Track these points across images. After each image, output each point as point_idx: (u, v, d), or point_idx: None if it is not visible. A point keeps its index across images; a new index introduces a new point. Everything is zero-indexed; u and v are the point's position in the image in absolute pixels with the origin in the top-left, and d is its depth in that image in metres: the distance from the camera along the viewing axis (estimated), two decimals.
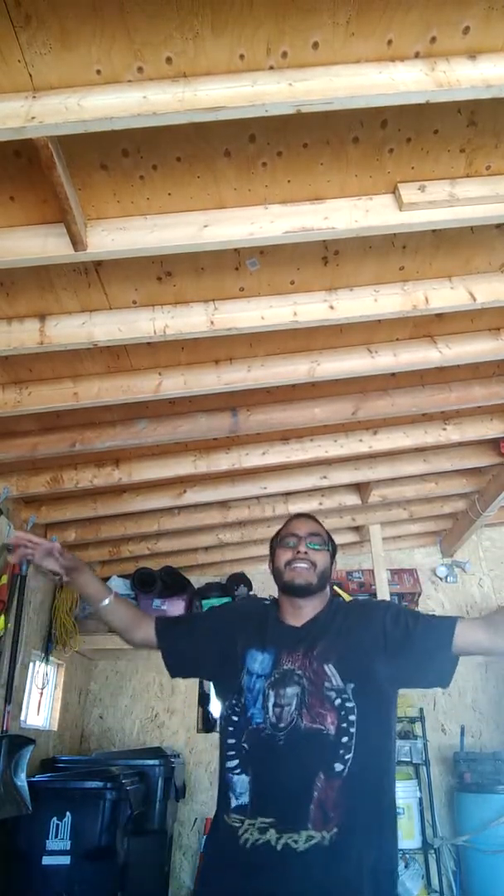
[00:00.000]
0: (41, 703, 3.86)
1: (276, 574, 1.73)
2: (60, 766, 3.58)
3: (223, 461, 3.35)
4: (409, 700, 4.37)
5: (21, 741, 3.03)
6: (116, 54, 1.49)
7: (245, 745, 1.52)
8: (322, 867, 1.37)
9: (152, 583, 4.18)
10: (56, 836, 2.94)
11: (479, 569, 4.99)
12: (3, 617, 3.10)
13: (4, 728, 3.09)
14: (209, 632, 1.76)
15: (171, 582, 4.29)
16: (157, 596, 4.28)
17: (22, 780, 2.91)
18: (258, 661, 1.60)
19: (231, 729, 1.56)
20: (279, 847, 1.38)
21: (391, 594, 4.25)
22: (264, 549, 4.90)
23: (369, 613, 1.70)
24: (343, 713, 1.48)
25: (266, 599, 1.83)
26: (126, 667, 4.71)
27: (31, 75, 1.50)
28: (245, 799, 1.47)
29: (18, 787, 2.88)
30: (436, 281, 2.37)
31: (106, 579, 4.36)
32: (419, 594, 4.65)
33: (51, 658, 3.91)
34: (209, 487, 3.67)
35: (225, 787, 1.51)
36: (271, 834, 1.39)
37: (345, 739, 1.46)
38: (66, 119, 1.49)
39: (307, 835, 1.39)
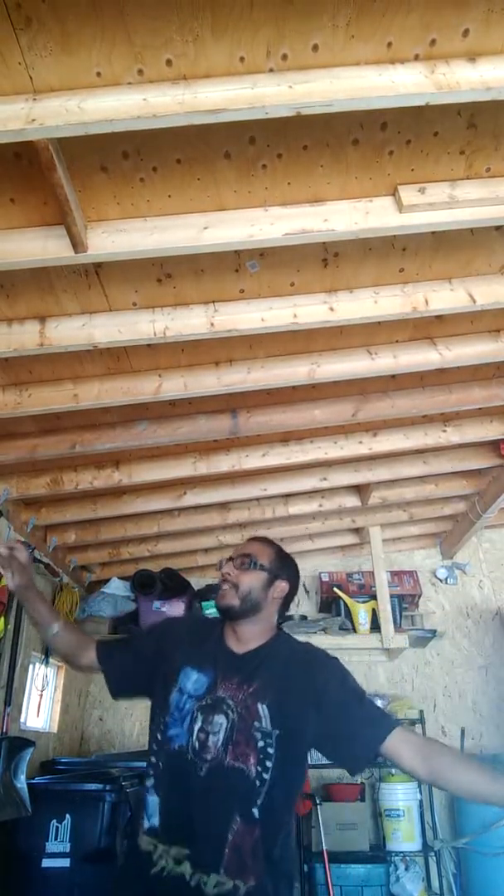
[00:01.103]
0: (41, 705, 3.85)
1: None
2: (60, 768, 3.57)
3: (223, 463, 3.35)
4: (410, 702, 4.37)
5: (21, 743, 3.02)
6: (117, 57, 1.49)
7: (160, 765, 1.48)
8: None
9: (152, 585, 4.17)
10: (56, 839, 2.93)
11: (480, 571, 4.99)
12: (2, 619, 3.10)
13: (4, 730, 3.08)
14: (149, 650, 1.70)
15: (171, 584, 4.29)
16: (156, 598, 4.27)
17: (22, 781, 2.91)
18: (192, 680, 1.54)
19: (154, 746, 1.52)
20: (193, 883, 1.34)
21: (391, 596, 4.25)
22: None
23: (316, 667, 1.62)
24: (262, 757, 1.44)
25: (219, 619, 1.75)
26: None
27: (31, 77, 1.50)
28: (155, 821, 1.43)
29: (18, 789, 2.88)
30: (436, 283, 2.37)
31: (106, 581, 4.37)
32: (419, 596, 4.65)
33: (51, 660, 3.91)
34: (209, 489, 3.67)
35: (142, 807, 1.47)
36: (186, 867, 1.35)
37: (258, 784, 1.42)
38: (67, 121, 1.49)
39: (217, 879, 1.34)
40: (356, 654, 4.44)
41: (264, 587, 1.64)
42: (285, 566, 1.72)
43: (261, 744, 1.45)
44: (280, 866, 1.44)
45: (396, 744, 1.51)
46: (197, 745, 1.44)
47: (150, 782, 1.49)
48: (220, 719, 1.47)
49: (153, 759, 1.51)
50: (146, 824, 1.44)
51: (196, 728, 1.46)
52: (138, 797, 1.51)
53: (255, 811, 1.40)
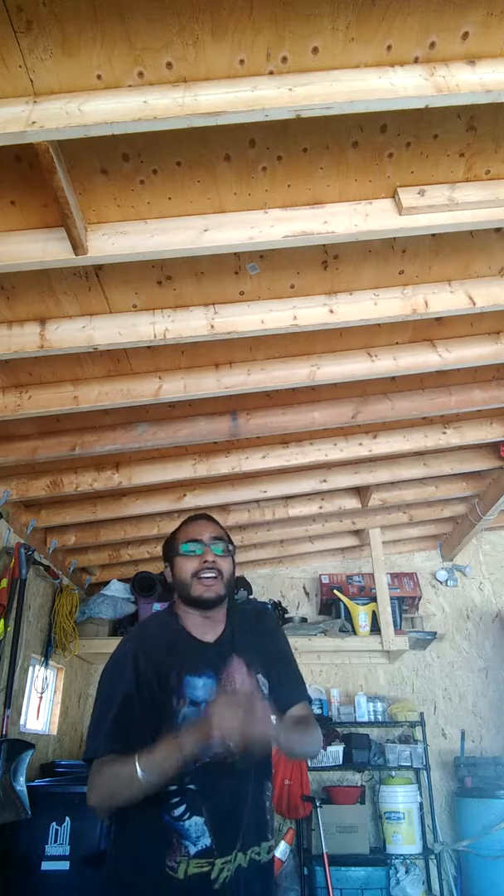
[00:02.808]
0: (41, 707, 3.85)
1: (181, 586, 1.58)
2: (60, 771, 3.56)
3: (223, 465, 3.35)
4: (410, 705, 4.37)
5: (20, 745, 3.02)
6: (117, 59, 1.49)
7: (192, 786, 1.39)
8: (272, 872, 1.44)
9: (152, 587, 4.17)
10: (55, 841, 2.93)
11: (480, 573, 4.99)
12: (2, 621, 3.09)
13: (4, 732, 3.08)
14: (135, 687, 1.49)
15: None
16: (156, 600, 4.27)
17: (21, 784, 2.90)
18: (199, 688, 1.47)
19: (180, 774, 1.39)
20: (246, 864, 1.38)
21: (391, 598, 4.25)
22: (264, 553, 4.92)
23: (269, 629, 1.71)
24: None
25: (160, 615, 1.70)
26: None
27: (32, 80, 1.51)
28: (206, 841, 1.36)
29: (18, 792, 2.87)
30: (435, 285, 2.38)
31: (105, 583, 4.37)
32: (419, 598, 4.65)
33: (50, 662, 3.90)
34: (209, 491, 3.67)
35: (174, 838, 1.36)
36: (240, 858, 1.38)
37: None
38: (67, 124, 1.50)
39: (267, 845, 1.43)
40: (356, 656, 4.44)
41: (233, 566, 1.64)
42: (230, 538, 1.68)
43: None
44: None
45: (295, 709, 1.58)
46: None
47: (179, 811, 1.37)
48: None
49: (174, 787, 1.38)
50: (192, 850, 1.35)
51: None
52: (156, 826, 1.38)
53: (269, 770, 1.49)
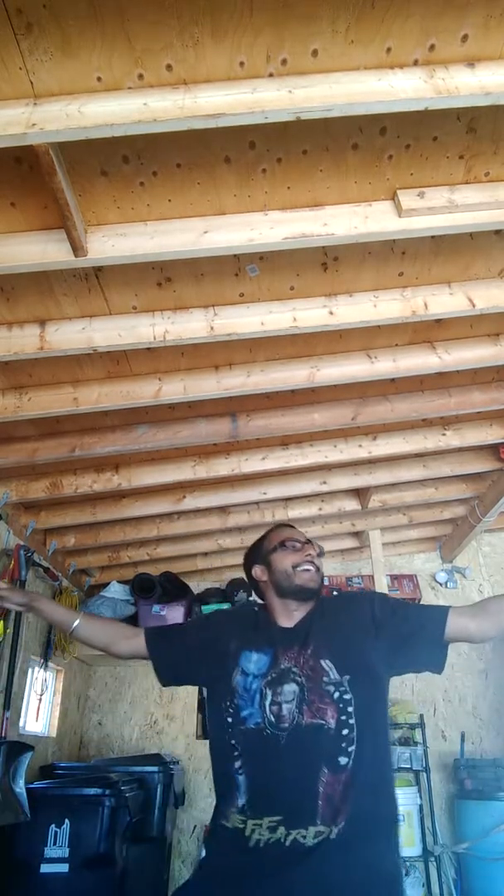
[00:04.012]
0: (40, 709, 3.84)
1: (282, 578, 1.71)
2: (59, 773, 3.56)
3: (223, 466, 3.35)
4: (409, 706, 4.36)
5: (20, 747, 3.01)
6: (117, 61, 1.49)
7: (240, 746, 1.52)
8: (332, 862, 1.37)
9: (151, 588, 4.17)
10: (54, 844, 2.92)
11: (479, 574, 4.99)
12: (2, 622, 3.09)
13: (3, 734, 3.07)
14: (201, 636, 1.77)
15: (171, 587, 4.29)
16: (156, 602, 4.27)
17: (20, 786, 2.90)
18: (253, 662, 1.60)
19: (228, 730, 1.55)
20: (288, 843, 1.38)
21: None
22: None
23: (356, 604, 1.75)
24: (342, 706, 1.50)
25: (253, 606, 1.84)
26: (125, 673, 4.69)
27: (32, 82, 1.51)
28: (243, 799, 1.47)
29: (17, 794, 2.86)
30: (435, 287, 2.38)
31: (105, 585, 4.37)
32: (419, 600, 4.65)
33: (49, 664, 3.90)
34: (209, 493, 3.67)
35: (231, 787, 1.50)
36: (281, 832, 1.40)
37: (345, 732, 1.47)
38: (67, 126, 1.50)
39: (315, 830, 1.39)
40: None
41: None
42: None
43: (336, 695, 1.51)
44: (378, 805, 1.47)
45: (456, 624, 1.59)
46: (273, 717, 1.50)
47: (238, 763, 1.51)
48: (290, 688, 1.53)
49: (232, 742, 1.53)
50: (239, 802, 1.47)
51: (267, 703, 1.52)
52: (224, 776, 1.54)
53: (343, 759, 1.45)
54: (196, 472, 3.32)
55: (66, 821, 2.96)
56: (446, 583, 4.92)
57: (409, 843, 3.80)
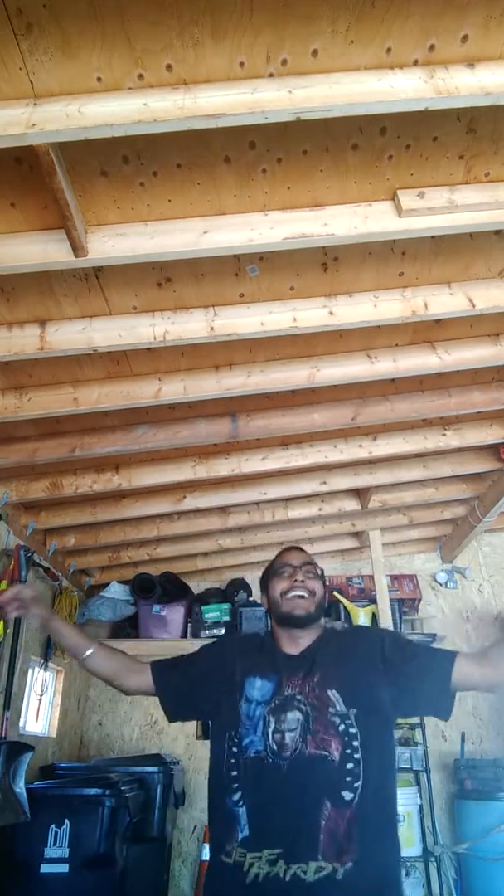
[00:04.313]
0: (40, 709, 3.84)
1: (273, 605, 1.70)
2: (59, 773, 3.56)
3: (223, 467, 3.35)
4: None
5: (20, 748, 3.01)
6: (117, 62, 1.49)
7: (240, 777, 1.47)
8: None
9: (152, 588, 4.17)
10: (54, 844, 2.92)
11: (480, 575, 4.99)
12: (1, 622, 3.09)
13: (3, 734, 3.07)
14: (207, 667, 1.72)
15: (171, 588, 4.29)
16: (156, 602, 4.27)
17: (20, 786, 2.89)
18: (257, 688, 1.57)
19: (232, 761, 1.51)
20: (287, 878, 1.33)
21: (391, 600, 4.24)
22: (264, 555, 4.91)
23: (367, 639, 1.71)
24: (347, 739, 1.45)
25: (259, 633, 1.84)
26: None
27: (32, 83, 1.51)
28: (246, 832, 1.42)
29: (17, 794, 2.86)
30: (435, 287, 2.38)
31: (105, 585, 4.37)
32: (419, 600, 4.65)
33: (50, 664, 3.90)
34: (209, 493, 3.67)
35: (231, 822, 1.45)
36: (280, 866, 1.34)
37: (350, 766, 1.43)
38: (67, 126, 1.50)
39: (316, 865, 1.33)
40: None
41: (324, 592, 1.74)
42: (323, 573, 1.80)
43: (342, 727, 1.47)
44: (385, 851, 1.44)
45: (462, 671, 1.54)
46: (275, 745, 1.46)
47: (237, 796, 1.47)
48: (293, 715, 1.49)
49: (233, 773, 1.49)
50: (238, 836, 1.43)
51: (270, 731, 1.48)
52: (222, 809, 1.50)
53: (347, 794, 1.41)
54: (196, 473, 3.32)
55: (66, 821, 2.96)
56: (446, 583, 4.92)
57: (409, 843, 3.80)
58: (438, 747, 4.32)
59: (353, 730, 1.46)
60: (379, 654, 1.60)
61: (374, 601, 4.23)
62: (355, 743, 1.45)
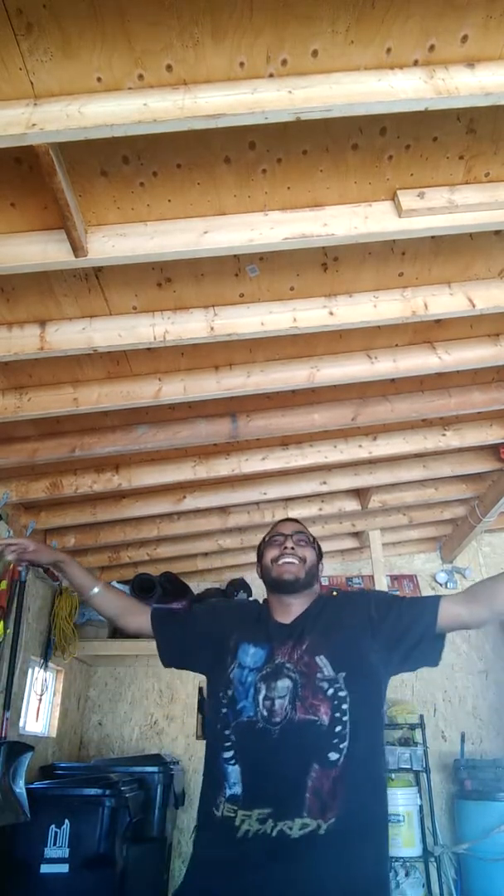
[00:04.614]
0: (40, 709, 3.84)
1: (265, 572, 1.78)
2: (59, 773, 3.56)
3: (223, 467, 3.35)
4: (409, 707, 4.36)
5: (20, 748, 3.01)
6: (117, 62, 1.49)
7: (233, 737, 1.53)
8: (318, 857, 1.36)
9: (152, 588, 4.17)
10: (54, 844, 2.92)
11: (480, 575, 4.98)
12: (2, 623, 3.09)
13: (3, 734, 3.08)
14: (204, 625, 1.81)
15: (171, 588, 4.29)
16: (156, 601, 4.26)
17: (20, 787, 2.90)
18: (250, 655, 1.62)
19: (223, 720, 1.56)
20: (274, 834, 1.39)
21: None
22: None
23: (354, 603, 1.76)
24: (336, 703, 1.50)
25: (258, 600, 1.88)
26: (125, 673, 4.70)
27: (32, 83, 1.51)
28: (238, 789, 1.47)
29: (17, 794, 2.87)
30: (435, 287, 2.38)
31: None
32: None
33: (50, 664, 3.90)
34: (209, 493, 3.67)
35: (219, 777, 1.51)
36: (268, 824, 1.40)
37: (338, 728, 1.47)
38: (67, 126, 1.50)
39: (301, 822, 1.39)
40: None
41: (318, 561, 1.82)
42: (318, 543, 1.89)
43: (330, 691, 1.51)
44: (369, 805, 1.46)
45: (447, 611, 1.61)
46: (265, 712, 1.51)
47: (228, 754, 1.52)
48: (283, 683, 1.53)
49: (226, 733, 1.54)
50: (227, 792, 1.48)
51: (261, 697, 1.53)
52: (214, 765, 1.55)
53: (333, 754, 1.45)
54: (196, 473, 3.32)
55: (66, 821, 2.96)
56: (446, 583, 4.92)
57: (409, 843, 3.80)
58: (438, 747, 4.32)
59: (342, 692, 1.51)
60: (367, 617, 1.65)
61: None
62: (344, 706, 1.49)
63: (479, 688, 4.55)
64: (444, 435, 3.46)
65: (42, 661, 3.78)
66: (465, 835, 3.85)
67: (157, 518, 3.84)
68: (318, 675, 1.53)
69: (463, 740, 4.21)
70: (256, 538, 4.30)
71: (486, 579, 1.71)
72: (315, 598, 1.75)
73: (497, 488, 3.94)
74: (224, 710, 1.57)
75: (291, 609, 1.70)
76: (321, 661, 1.56)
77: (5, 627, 3.15)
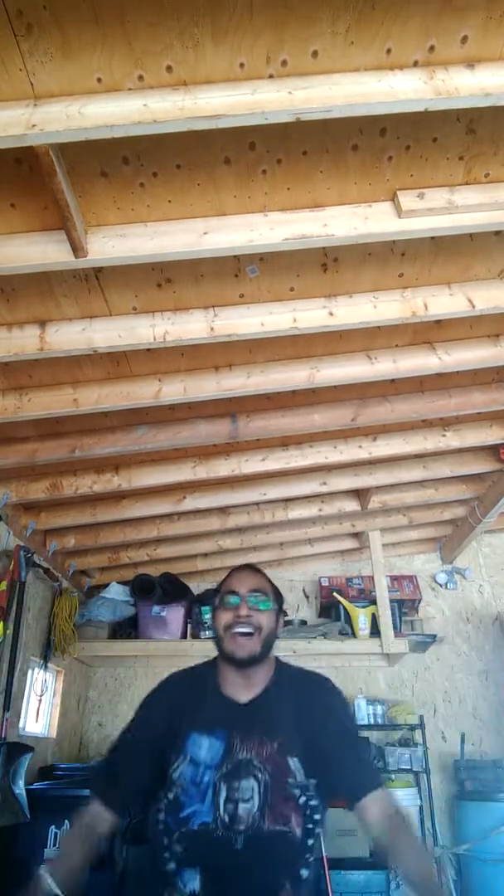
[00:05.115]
0: (40, 710, 3.84)
1: (217, 639, 1.49)
2: (59, 774, 3.56)
3: (222, 467, 3.35)
4: (409, 708, 4.36)
5: (19, 749, 3.01)
6: (117, 63, 1.49)
7: (178, 848, 1.29)
8: None
9: (151, 589, 4.17)
10: (54, 845, 2.92)
11: (479, 575, 4.99)
12: (1, 623, 3.09)
13: (3, 735, 3.07)
14: (145, 740, 1.48)
15: (171, 588, 4.29)
16: (156, 602, 4.27)
17: (20, 787, 2.90)
18: (204, 749, 1.37)
19: (164, 828, 1.32)
20: None
21: (391, 601, 4.24)
22: (264, 556, 4.92)
23: (327, 703, 1.50)
24: (308, 813, 1.32)
25: (208, 663, 1.58)
26: (125, 674, 4.69)
27: (32, 83, 1.51)
28: (195, 886, 1.28)
29: (17, 795, 2.87)
30: (435, 288, 2.38)
31: (105, 586, 4.37)
32: (419, 601, 4.65)
33: (49, 665, 3.90)
34: (209, 493, 3.67)
35: (168, 876, 1.31)
36: None
37: (310, 842, 1.31)
38: (67, 127, 1.50)
39: None
40: (356, 659, 4.44)
41: (276, 623, 1.52)
42: (279, 594, 1.58)
43: (302, 799, 1.33)
44: None
45: (370, 803, 1.38)
46: (227, 818, 1.28)
47: (170, 866, 1.30)
48: (248, 784, 1.32)
49: (166, 842, 1.31)
50: (185, 888, 1.28)
51: (221, 800, 1.31)
52: (160, 867, 1.33)
53: (304, 871, 1.30)
54: (196, 473, 3.32)
55: (66, 822, 2.95)
56: (446, 584, 4.92)
57: None
58: (438, 748, 4.31)
59: (313, 802, 1.33)
60: (323, 725, 1.44)
61: (373, 602, 4.24)
62: (316, 816, 1.32)
63: (479, 688, 4.55)
64: (444, 435, 3.46)
65: (42, 661, 3.77)
66: (465, 835, 3.84)
67: (156, 518, 3.84)
68: (290, 779, 1.33)
69: (463, 741, 4.20)
70: (256, 539, 4.35)
71: (409, 830, 1.43)
72: (275, 668, 1.52)
73: (497, 489, 3.94)
74: (162, 817, 1.33)
75: (247, 682, 1.47)
76: (294, 763, 1.35)
77: (5, 628, 3.15)
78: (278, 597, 1.56)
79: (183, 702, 1.47)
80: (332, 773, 1.41)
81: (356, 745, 1.50)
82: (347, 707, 1.52)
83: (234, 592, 1.49)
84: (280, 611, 1.55)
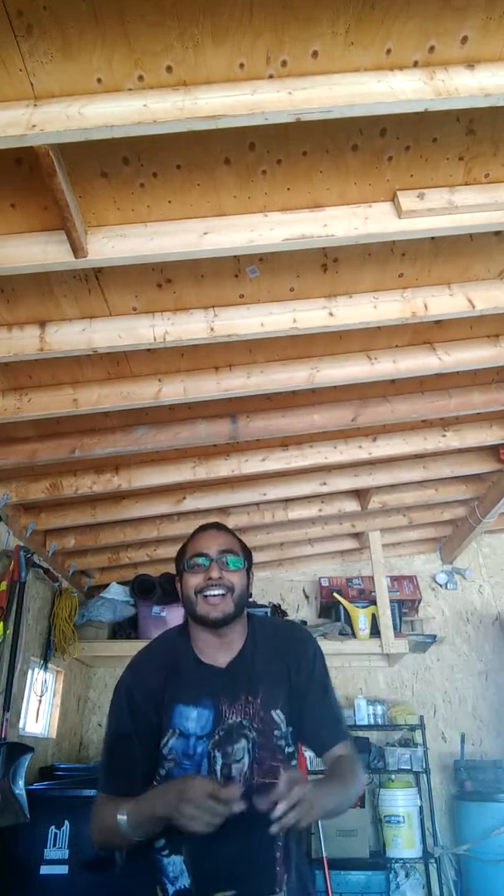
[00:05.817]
0: (40, 710, 3.84)
1: (187, 602, 1.45)
2: (59, 774, 3.56)
3: (223, 467, 3.35)
4: (410, 708, 4.36)
5: (19, 749, 3.01)
6: (117, 63, 1.49)
7: (174, 826, 1.24)
8: None
9: (151, 589, 4.17)
10: (54, 845, 2.92)
11: (479, 575, 4.99)
12: (1, 623, 3.09)
13: (3, 735, 3.07)
14: (136, 724, 1.42)
15: (171, 588, 4.28)
16: (156, 603, 4.26)
17: (20, 788, 2.89)
18: (192, 720, 1.35)
19: None
20: None
21: (391, 601, 4.24)
22: (264, 557, 4.91)
23: (303, 654, 1.49)
24: (292, 761, 1.37)
25: (168, 637, 1.54)
26: None
27: (32, 84, 1.51)
28: (185, 882, 1.29)
29: (17, 796, 2.86)
30: (435, 288, 2.38)
31: (105, 586, 4.37)
32: (419, 601, 4.64)
33: (49, 665, 3.89)
34: (209, 494, 3.67)
35: (156, 874, 1.32)
36: None
37: None
38: (67, 127, 1.50)
39: None
40: (356, 659, 4.44)
41: (247, 581, 1.50)
42: (247, 550, 1.56)
43: (288, 749, 1.37)
44: (298, 861, 1.37)
45: (335, 751, 1.43)
46: (222, 782, 1.28)
47: (159, 843, 1.31)
48: (241, 745, 1.33)
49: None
50: (171, 889, 1.29)
51: (218, 767, 1.31)
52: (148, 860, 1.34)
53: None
54: (196, 473, 3.32)
55: (66, 822, 2.95)
56: (446, 584, 4.92)
57: (409, 844, 3.80)
58: (438, 748, 4.31)
59: (290, 749, 1.37)
60: (313, 677, 1.47)
61: (373, 602, 4.24)
62: (294, 762, 1.37)
63: (479, 688, 4.55)
64: (443, 436, 3.46)
65: (42, 661, 3.77)
66: (465, 836, 3.84)
67: (156, 519, 3.84)
68: (276, 731, 1.35)
69: (463, 741, 4.20)
70: (257, 539, 4.35)
71: (345, 769, 1.40)
72: (248, 627, 1.50)
73: (497, 489, 3.94)
74: None
75: (224, 645, 1.44)
76: (278, 716, 1.37)
77: (5, 628, 3.15)
78: (247, 553, 1.53)
79: (162, 677, 1.43)
80: (306, 722, 1.43)
81: (329, 697, 1.50)
82: (322, 657, 1.52)
83: (203, 554, 1.46)
84: (250, 567, 1.53)
